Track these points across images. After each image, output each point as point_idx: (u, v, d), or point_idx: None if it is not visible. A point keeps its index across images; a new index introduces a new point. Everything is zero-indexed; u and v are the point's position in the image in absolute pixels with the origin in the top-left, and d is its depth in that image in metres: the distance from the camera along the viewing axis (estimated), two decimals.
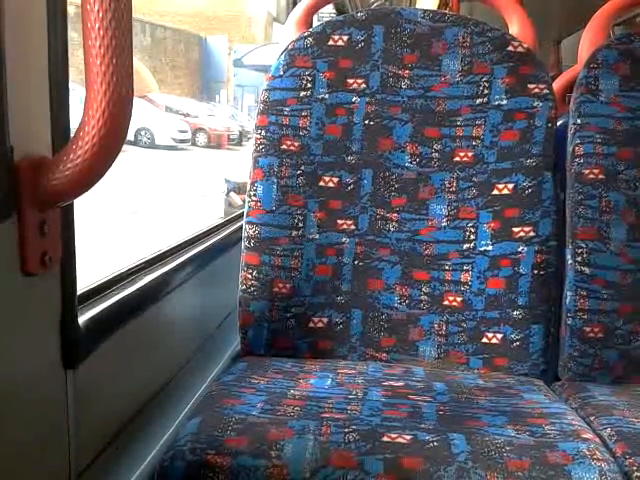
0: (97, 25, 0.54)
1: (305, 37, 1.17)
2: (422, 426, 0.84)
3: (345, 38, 1.17)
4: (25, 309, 0.61)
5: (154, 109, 13.78)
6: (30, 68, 0.60)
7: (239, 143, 16.14)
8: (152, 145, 12.73)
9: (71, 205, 0.67)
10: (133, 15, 0.58)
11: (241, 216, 1.22)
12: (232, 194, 4.09)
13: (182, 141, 14.21)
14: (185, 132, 14.43)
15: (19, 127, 0.57)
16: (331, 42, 1.17)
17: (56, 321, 0.67)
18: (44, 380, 0.66)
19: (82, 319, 0.72)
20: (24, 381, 0.62)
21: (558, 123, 1.17)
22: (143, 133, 12.76)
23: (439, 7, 4.68)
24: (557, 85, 2.00)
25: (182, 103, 16.69)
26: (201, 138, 15.37)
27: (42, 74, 0.62)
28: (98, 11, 0.54)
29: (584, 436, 0.84)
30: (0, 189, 0.56)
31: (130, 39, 0.57)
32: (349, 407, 0.89)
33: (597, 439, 0.85)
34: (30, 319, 0.63)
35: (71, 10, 0.67)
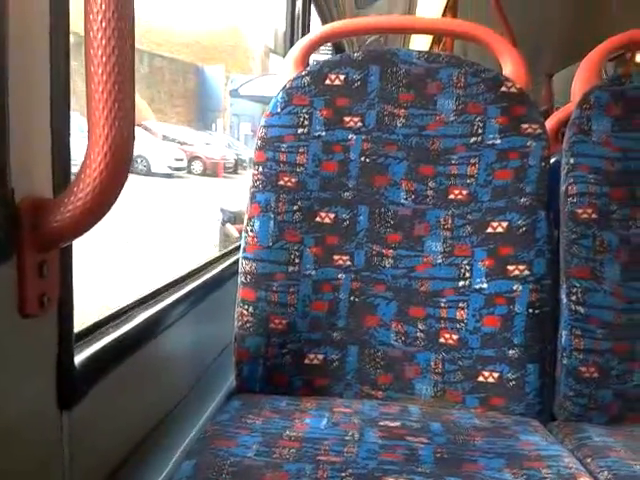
0: (100, 70, 0.55)
1: (302, 76, 1.19)
2: (419, 470, 0.84)
3: (342, 77, 1.19)
4: (22, 350, 0.61)
5: (151, 137, 13.86)
6: (32, 110, 0.61)
7: (235, 171, 16.21)
8: (148, 173, 12.78)
9: (70, 245, 0.68)
10: None
11: (236, 249, 1.22)
12: (228, 225, 4.10)
13: (178, 169, 14.26)
14: (181, 160, 14.49)
15: (20, 169, 0.58)
16: (328, 81, 1.18)
17: (52, 362, 0.67)
18: (39, 421, 0.66)
19: (78, 359, 0.72)
20: (19, 422, 0.61)
21: (552, 160, 1.19)
22: (139, 161, 12.80)
23: (432, 45, 4.75)
24: (551, 122, 2.03)
25: (178, 131, 16.79)
26: (197, 166, 15.43)
27: (44, 117, 0.63)
28: (102, 56, 0.55)
29: None
30: (1, 231, 0.56)
31: (132, 84, 0.58)
32: (345, 449, 0.88)
33: None
34: (26, 360, 0.62)
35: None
